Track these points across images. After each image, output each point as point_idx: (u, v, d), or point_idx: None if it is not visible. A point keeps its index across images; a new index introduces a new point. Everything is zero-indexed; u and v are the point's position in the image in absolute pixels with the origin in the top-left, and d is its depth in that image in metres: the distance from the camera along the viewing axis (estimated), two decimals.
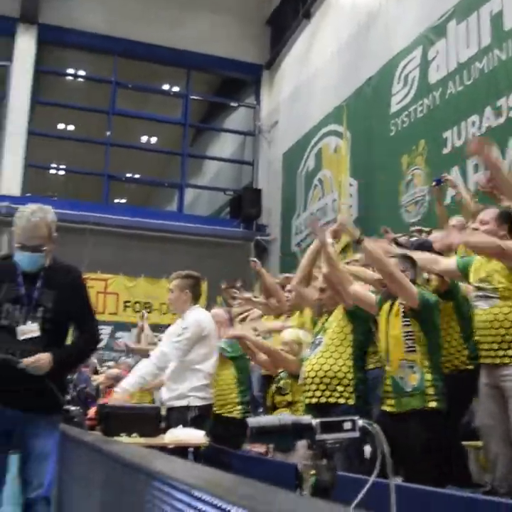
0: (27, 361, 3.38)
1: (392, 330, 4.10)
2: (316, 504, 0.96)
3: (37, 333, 3.49)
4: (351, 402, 4.29)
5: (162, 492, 1.60)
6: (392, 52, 11.23)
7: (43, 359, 3.42)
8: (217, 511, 1.17)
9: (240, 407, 5.61)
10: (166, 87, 18.42)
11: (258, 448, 5.06)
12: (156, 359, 4.86)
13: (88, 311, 3.81)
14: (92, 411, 6.30)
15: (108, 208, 16.32)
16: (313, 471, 1.89)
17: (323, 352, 4.39)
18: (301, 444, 1.89)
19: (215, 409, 5.38)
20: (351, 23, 12.80)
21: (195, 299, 5.13)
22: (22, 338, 3.46)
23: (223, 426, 5.38)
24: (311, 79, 14.53)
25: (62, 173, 19.57)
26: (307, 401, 4.43)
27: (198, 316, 5.03)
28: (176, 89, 18.24)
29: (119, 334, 14.87)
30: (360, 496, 1.62)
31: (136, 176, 19.78)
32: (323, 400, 4.28)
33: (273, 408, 5.10)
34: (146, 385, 5.29)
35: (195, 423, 4.58)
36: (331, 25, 14.02)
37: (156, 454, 2.24)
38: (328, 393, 4.28)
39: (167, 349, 4.90)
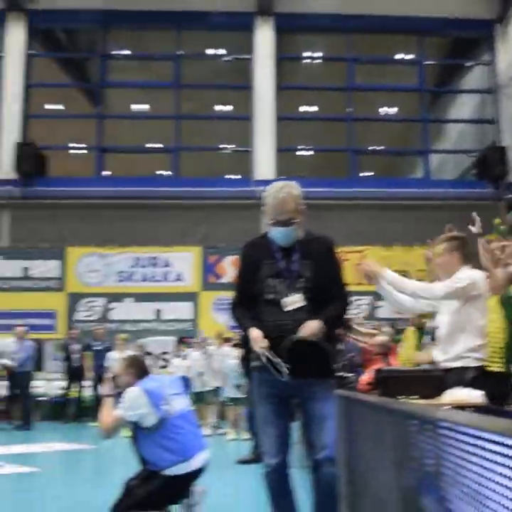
0: (302, 332, 3.54)
1: None
2: None
3: (301, 303, 3.63)
4: None
5: (468, 444, 1.69)
6: None
7: (313, 325, 3.56)
8: None
9: (504, 360, 5.44)
10: (399, 56, 18.30)
11: None
12: (419, 287, 4.74)
13: (341, 278, 3.84)
14: (364, 377, 6.52)
15: (356, 181, 16.64)
16: None
17: None
18: None
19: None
20: None
21: (465, 259, 5.01)
22: (288, 309, 3.65)
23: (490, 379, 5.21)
24: None
25: (309, 153, 20.21)
26: None
27: (471, 274, 4.91)
28: (409, 57, 18.06)
29: (378, 304, 15.16)
30: None
31: (380, 147, 19.85)
32: None
33: None
34: (395, 289, 5.19)
35: (473, 383, 4.56)
36: None
37: (452, 411, 2.33)
38: None
39: (435, 286, 4.83)
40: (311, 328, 3.54)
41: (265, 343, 3.58)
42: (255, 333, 3.63)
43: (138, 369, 5.08)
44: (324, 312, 3.66)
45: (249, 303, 3.83)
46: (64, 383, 14.11)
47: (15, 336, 13.09)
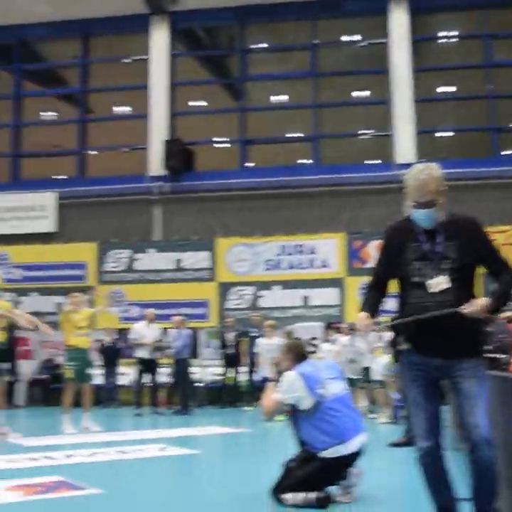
0: (465, 308, 3.50)
1: None
2: None
3: (447, 285, 3.58)
4: None
5: None
6: None
7: (479, 304, 3.51)
8: None
9: None
10: None
11: None
12: None
13: (497, 253, 3.71)
14: None
15: (499, 160, 16.29)
16: None
17: None
18: None
19: None
20: None
21: None
22: (433, 291, 3.59)
23: None
24: None
25: (449, 133, 19.81)
26: None
27: None
28: None
29: None
30: None
31: None
32: None
33: None
34: None
35: None
36: None
37: None
38: None
39: None
40: (477, 305, 3.52)
41: (369, 321, 3.71)
42: (360, 315, 3.76)
43: (296, 354, 5.27)
44: (494, 290, 3.61)
45: (386, 287, 3.91)
46: (220, 370, 14.70)
47: (173, 325, 13.74)
